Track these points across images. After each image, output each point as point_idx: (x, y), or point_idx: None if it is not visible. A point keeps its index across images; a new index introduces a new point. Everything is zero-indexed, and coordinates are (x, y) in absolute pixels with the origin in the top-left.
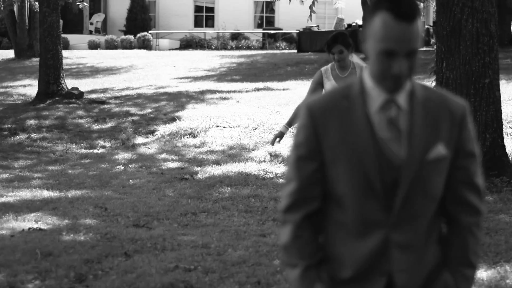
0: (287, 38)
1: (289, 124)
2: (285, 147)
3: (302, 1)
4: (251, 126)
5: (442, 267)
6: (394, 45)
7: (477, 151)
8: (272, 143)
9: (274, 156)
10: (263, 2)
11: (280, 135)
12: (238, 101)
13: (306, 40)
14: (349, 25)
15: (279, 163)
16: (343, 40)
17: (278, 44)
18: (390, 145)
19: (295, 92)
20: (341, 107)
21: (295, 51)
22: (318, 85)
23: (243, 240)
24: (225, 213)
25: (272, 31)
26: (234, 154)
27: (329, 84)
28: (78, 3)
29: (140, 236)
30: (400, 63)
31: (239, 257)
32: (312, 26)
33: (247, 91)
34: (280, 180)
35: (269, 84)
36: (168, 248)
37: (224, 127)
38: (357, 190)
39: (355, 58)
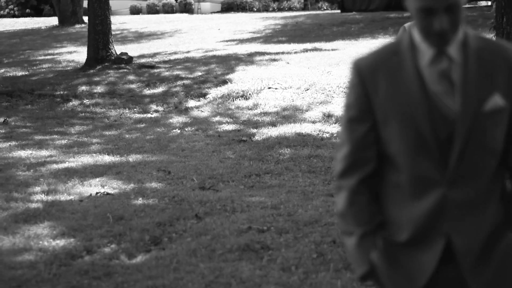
0: None
1: None
2: (338, 107)
3: None
4: (303, 87)
5: (505, 227)
6: (431, 2)
7: None
8: None
9: (328, 116)
10: None
11: None
12: (288, 62)
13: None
14: None
15: (334, 123)
16: None
17: (320, 5)
18: (443, 98)
19: (344, 52)
20: (391, 63)
21: (338, 11)
22: None
23: (311, 200)
24: (288, 174)
25: None
26: (288, 115)
27: None
28: None
29: (208, 198)
30: (441, 19)
31: (311, 217)
32: None
33: (295, 52)
34: (339, 140)
35: (316, 44)
36: (238, 209)
37: (276, 88)
38: (410, 148)
39: None
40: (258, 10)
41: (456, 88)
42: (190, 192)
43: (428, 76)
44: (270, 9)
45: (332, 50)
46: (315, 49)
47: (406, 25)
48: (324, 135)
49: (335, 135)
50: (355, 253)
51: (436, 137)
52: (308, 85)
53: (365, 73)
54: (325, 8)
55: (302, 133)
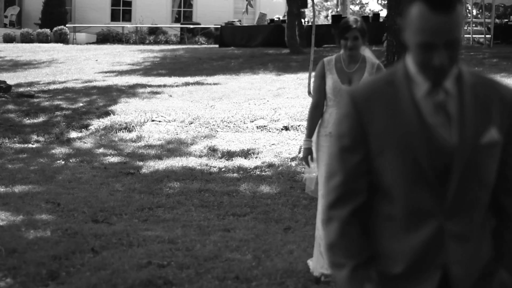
0: (206, 33)
1: (311, 135)
2: (223, 141)
3: None
4: (186, 120)
5: (496, 263)
6: (432, 37)
7: None
8: (308, 164)
9: (213, 151)
10: None
11: (310, 152)
12: (170, 95)
13: (228, 35)
14: (272, 20)
15: (220, 158)
16: (360, 25)
17: (197, 39)
18: (440, 130)
19: (227, 87)
20: (386, 93)
21: (215, 45)
22: (322, 80)
23: (208, 235)
24: (181, 208)
25: (191, 26)
26: (173, 148)
27: (331, 79)
28: None
29: (102, 231)
30: (440, 55)
31: (210, 252)
32: (234, 21)
33: (177, 86)
34: (228, 175)
35: (198, 78)
36: (135, 243)
37: (159, 121)
38: (407, 179)
39: (367, 52)
40: (135, 43)
41: (453, 120)
42: (83, 225)
43: (425, 108)
44: (147, 42)
45: (214, 84)
46: (197, 83)
47: (326, 59)
48: (212, 170)
49: (223, 169)
50: (348, 285)
51: (434, 168)
52: (192, 118)
53: (360, 103)
54: (202, 42)
55: (189, 167)
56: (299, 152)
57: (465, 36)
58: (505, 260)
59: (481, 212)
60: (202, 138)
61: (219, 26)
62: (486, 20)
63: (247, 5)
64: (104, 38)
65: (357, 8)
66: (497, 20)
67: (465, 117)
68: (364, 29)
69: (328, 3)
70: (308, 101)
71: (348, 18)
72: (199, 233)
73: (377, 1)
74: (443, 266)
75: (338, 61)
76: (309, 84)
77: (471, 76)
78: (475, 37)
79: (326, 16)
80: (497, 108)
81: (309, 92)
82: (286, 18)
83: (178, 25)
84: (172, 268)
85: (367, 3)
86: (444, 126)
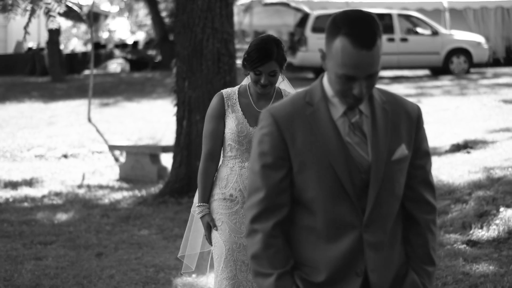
0: None
1: (206, 198)
2: (3, 171)
3: None
4: None
5: (407, 266)
6: (354, 71)
7: (429, 150)
8: (210, 241)
9: None
10: None
11: (210, 221)
12: None
13: None
14: (30, 49)
15: (4, 188)
16: (279, 55)
17: None
18: (357, 148)
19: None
20: (306, 113)
21: None
22: (220, 121)
23: (21, 264)
24: None
25: None
26: None
27: (234, 119)
28: None
29: None
30: (361, 85)
31: (31, 281)
32: None
33: None
34: (18, 204)
35: None
36: None
37: None
38: (328, 194)
39: (284, 84)
40: None
41: (368, 139)
42: None
43: (342, 128)
44: None
45: None
46: None
47: (225, 92)
48: None
49: (10, 199)
50: None
51: (353, 184)
52: None
53: (281, 122)
54: None
55: None
56: (83, 179)
57: None
58: (412, 262)
59: (392, 222)
60: None
61: None
62: None
63: (25, 34)
64: None
65: (105, 35)
66: None
67: (378, 135)
68: (284, 58)
69: (76, 29)
70: (85, 128)
71: (261, 42)
72: (11, 263)
73: (130, 29)
74: (363, 273)
75: (243, 95)
76: (89, 111)
77: (380, 93)
78: None
79: (85, 43)
80: (405, 124)
81: (89, 119)
82: (43, 46)
83: None
84: None
85: (115, 31)
86: (360, 144)
